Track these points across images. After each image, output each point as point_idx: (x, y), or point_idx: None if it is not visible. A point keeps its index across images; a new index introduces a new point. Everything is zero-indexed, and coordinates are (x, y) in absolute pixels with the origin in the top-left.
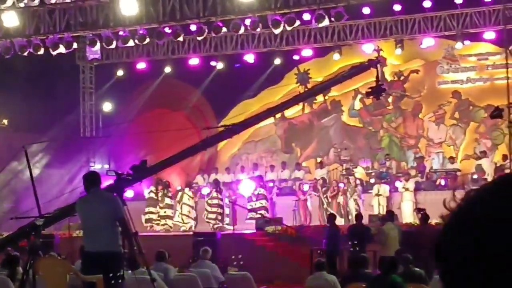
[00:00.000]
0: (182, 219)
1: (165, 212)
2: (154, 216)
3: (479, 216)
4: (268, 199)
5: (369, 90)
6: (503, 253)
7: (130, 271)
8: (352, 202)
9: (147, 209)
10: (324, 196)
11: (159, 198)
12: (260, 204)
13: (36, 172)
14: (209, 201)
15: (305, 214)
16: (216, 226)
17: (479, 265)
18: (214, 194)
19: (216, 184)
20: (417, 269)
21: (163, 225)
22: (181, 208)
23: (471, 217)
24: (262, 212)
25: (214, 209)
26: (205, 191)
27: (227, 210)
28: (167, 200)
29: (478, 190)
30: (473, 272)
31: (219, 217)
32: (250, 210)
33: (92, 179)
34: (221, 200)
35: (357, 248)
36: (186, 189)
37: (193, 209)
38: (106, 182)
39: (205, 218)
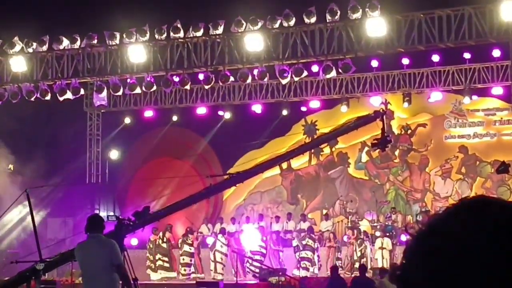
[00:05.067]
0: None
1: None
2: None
3: (437, 240)
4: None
5: (375, 141)
6: (458, 275)
7: None
8: (356, 254)
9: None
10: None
11: (179, 245)
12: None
13: (40, 217)
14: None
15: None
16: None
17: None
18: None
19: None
20: None
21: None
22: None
23: (430, 240)
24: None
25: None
26: (210, 240)
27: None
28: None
29: (439, 214)
30: None
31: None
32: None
33: (94, 222)
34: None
35: None
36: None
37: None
38: (109, 228)
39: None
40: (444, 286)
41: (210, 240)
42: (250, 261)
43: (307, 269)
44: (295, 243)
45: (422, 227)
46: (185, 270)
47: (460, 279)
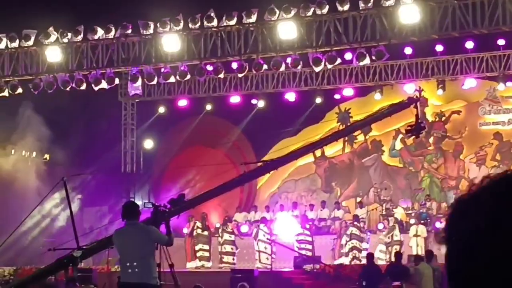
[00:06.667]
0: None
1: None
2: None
3: (471, 206)
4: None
5: (409, 128)
6: (498, 236)
7: None
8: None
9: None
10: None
11: (219, 234)
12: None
13: (76, 206)
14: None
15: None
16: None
17: (479, 247)
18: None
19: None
20: None
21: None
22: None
23: (465, 206)
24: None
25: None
26: (244, 229)
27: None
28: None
29: (482, 182)
30: (473, 252)
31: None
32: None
33: (130, 208)
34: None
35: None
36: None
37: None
38: (144, 215)
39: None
40: (476, 250)
41: (244, 229)
42: (297, 248)
43: (358, 258)
44: (345, 238)
45: (469, 190)
46: (227, 258)
47: (489, 246)
